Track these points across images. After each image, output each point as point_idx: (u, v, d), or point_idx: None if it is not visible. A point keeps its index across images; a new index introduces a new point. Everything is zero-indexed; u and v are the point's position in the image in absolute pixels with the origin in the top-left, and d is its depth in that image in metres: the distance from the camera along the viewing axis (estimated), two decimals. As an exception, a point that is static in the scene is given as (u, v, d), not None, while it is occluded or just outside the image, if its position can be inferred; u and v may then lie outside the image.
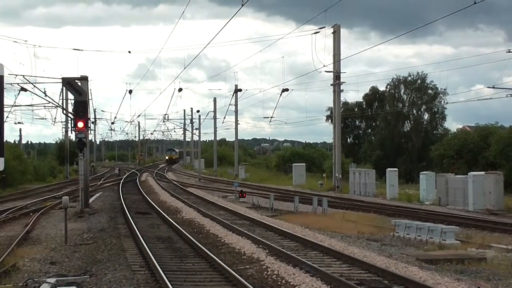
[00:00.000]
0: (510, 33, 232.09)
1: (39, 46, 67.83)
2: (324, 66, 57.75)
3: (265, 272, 17.33)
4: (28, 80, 51.25)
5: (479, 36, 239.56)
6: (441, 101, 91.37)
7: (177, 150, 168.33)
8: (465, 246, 24.18)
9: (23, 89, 53.65)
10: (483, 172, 45.23)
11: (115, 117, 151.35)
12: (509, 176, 46.77)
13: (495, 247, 23.86)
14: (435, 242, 24.63)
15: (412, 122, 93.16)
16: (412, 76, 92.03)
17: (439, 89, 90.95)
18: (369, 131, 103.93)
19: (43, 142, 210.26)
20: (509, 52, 38.66)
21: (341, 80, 59.11)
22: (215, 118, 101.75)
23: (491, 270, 19.32)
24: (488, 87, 59.73)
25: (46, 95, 52.35)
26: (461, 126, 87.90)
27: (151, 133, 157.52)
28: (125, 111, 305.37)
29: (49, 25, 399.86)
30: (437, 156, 72.53)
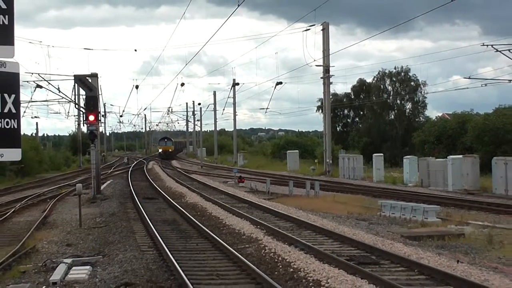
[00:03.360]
0: (484, 28, 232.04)
1: (52, 46, 67.70)
2: (314, 60, 57.92)
3: (263, 251, 17.37)
4: (43, 78, 51.39)
5: (456, 31, 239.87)
6: (422, 92, 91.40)
7: (173, 140, 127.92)
8: (445, 224, 24.27)
9: (38, 86, 53.79)
10: (460, 156, 45.27)
11: (123, 111, 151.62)
12: (484, 159, 46.76)
13: (472, 223, 23.94)
14: (418, 220, 24.71)
15: (396, 111, 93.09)
16: (396, 69, 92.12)
17: (420, 80, 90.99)
18: (357, 119, 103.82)
19: (57, 135, 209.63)
20: (483, 45, 38.60)
21: (330, 73, 59.08)
22: (215, 110, 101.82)
23: (469, 244, 19.41)
24: (465, 78, 60.11)
25: (59, 91, 52.48)
26: (440, 114, 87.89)
27: (157, 125, 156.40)
28: (132, 104, 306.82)
29: (60, 27, 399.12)
30: (419, 142, 72.50)
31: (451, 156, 44.82)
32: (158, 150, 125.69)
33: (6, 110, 5.17)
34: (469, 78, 46.16)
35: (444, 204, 30.87)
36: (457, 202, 32.34)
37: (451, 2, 28.69)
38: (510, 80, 47.11)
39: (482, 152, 54.68)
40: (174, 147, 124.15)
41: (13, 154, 5.27)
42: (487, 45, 38.52)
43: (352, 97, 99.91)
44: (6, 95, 5.17)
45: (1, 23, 5.15)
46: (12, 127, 5.22)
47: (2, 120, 5.14)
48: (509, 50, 38.09)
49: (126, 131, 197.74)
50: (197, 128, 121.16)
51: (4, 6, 5.14)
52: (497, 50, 38.11)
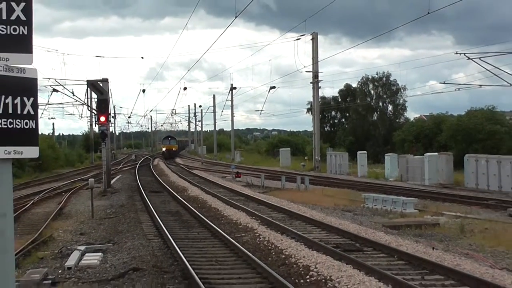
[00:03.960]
0: (457, 38, 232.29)
1: (67, 54, 67.63)
2: (304, 67, 58.05)
3: (258, 239, 17.40)
4: (59, 83, 51.24)
5: (432, 40, 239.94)
6: (402, 95, 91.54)
7: (177, 138, 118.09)
8: (422, 214, 24.31)
9: (55, 90, 53.72)
10: (436, 153, 45.40)
11: (131, 112, 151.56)
12: (458, 156, 46.88)
13: (447, 214, 23.99)
14: (397, 211, 24.77)
15: (378, 113, 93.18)
16: (378, 75, 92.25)
17: (400, 85, 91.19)
18: (343, 120, 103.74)
19: (72, 134, 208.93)
20: (457, 54, 38.63)
21: (319, 78, 59.04)
22: (214, 112, 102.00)
23: (443, 233, 19.48)
24: (440, 83, 60.09)
25: (74, 95, 52.42)
26: (418, 116, 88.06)
27: (161, 125, 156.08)
28: (139, 107, 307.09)
29: (75, 36, 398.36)
30: (399, 141, 72.58)
31: (428, 154, 44.94)
32: (161, 149, 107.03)
33: (25, 112, 5.24)
34: (444, 83, 46.36)
35: (421, 196, 30.92)
36: (433, 195, 32.40)
37: (428, 14, 28.73)
38: (480, 85, 47.19)
39: (455, 150, 54.86)
40: (178, 146, 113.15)
41: (31, 152, 5.33)
42: (460, 54, 38.57)
43: (339, 100, 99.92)
44: (25, 98, 5.25)
45: (21, 33, 5.22)
46: (30, 127, 5.30)
47: (22, 121, 5.21)
48: (479, 58, 38.15)
49: (133, 131, 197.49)
50: (198, 128, 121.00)
51: (23, 18, 5.22)
52: (469, 58, 38.16)
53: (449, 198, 31.12)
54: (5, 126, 5.05)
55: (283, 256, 14.65)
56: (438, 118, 70.87)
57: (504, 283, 11.50)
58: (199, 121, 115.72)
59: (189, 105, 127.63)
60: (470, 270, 12.71)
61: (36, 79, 5.31)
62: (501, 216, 24.43)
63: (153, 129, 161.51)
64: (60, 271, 13.85)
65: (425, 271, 13.04)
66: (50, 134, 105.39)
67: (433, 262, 13.46)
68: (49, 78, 50.68)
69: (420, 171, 43.48)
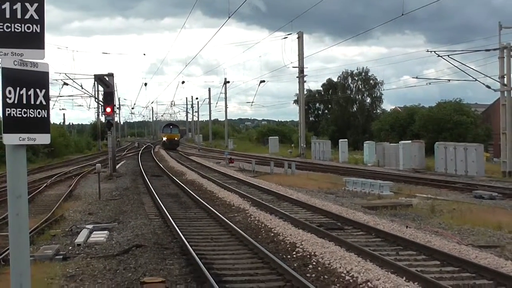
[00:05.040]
0: (429, 37, 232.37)
1: (76, 51, 67.47)
2: (291, 63, 58.15)
3: (249, 218, 17.41)
4: (69, 77, 51.07)
5: (405, 39, 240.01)
6: (379, 89, 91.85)
7: (179, 128, 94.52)
8: (397, 196, 24.40)
9: (65, 83, 53.59)
10: (410, 141, 45.53)
11: (134, 104, 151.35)
12: (429, 143, 47.09)
13: (419, 196, 24.09)
14: (375, 194, 24.82)
15: (358, 104, 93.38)
16: (358, 70, 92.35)
17: (377, 79, 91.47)
18: (326, 111, 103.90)
19: (81, 124, 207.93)
20: (428, 51, 38.70)
21: (304, 73, 58.97)
22: (209, 103, 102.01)
23: (416, 213, 19.55)
24: (413, 78, 60.44)
25: (82, 88, 52.56)
26: (393, 107, 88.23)
27: (162, 116, 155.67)
28: (141, 99, 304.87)
29: (83, 35, 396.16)
30: (376, 130, 72.78)
31: (402, 141, 45.08)
32: (162, 138, 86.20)
33: (38, 102, 5.25)
34: (417, 78, 46.49)
35: (396, 180, 31.01)
36: (407, 179, 32.50)
37: (402, 16, 28.72)
38: (449, 80, 47.53)
39: (427, 138, 55.09)
40: (180, 135, 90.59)
41: (43, 139, 5.34)
42: (430, 51, 38.63)
43: (322, 93, 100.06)
44: (38, 90, 5.25)
45: (34, 31, 5.23)
46: (42, 116, 5.31)
47: (35, 110, 5.22)
48: (448, 55, 38.19)
49: (136, 121, 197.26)
50: (195, 118, 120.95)
51: (36, 17, 5.23)
52: (438, 55, 38.23)
53: (421, 181, 31.23)
54: (20, 115, 5.05)
55: (272, 234, 14.66)
56: (411, 110, 71.10)
57: (469, 257, 11.57)
58: (195, 112, 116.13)
59: (186, 98, 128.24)
60: (439, 246, 12.77)
61: (47, 73, 5.30)
62: (467, 197, 24.54)
63: (154, 119, 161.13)
64: (70, 247, 13.82)
65: (400, 247, 13.09)
66: (61, 123, 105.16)
67: (407, 239, 13.52)
68: (60, 73, 50.74)
69: (395, 157, 43.61)
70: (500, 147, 39.65)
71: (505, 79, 37.77)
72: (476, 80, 38.75)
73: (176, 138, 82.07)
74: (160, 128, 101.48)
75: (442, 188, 28.40)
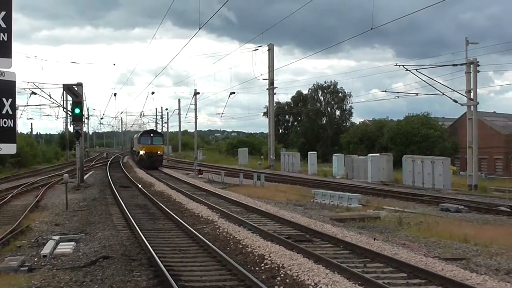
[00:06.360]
0: (397, 51, 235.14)
1: (45, 60, 66.75)
2: (261, 74, 58.29)
3: (218, 230, 17.34)
4: (37, 86, 50.67)
5: (374, 53, 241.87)
6: (348, 102, 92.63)
7: (163, 137, 74.54)
8: (365, 208, 24.54)
9: (33, 93, 53.08)
10: (378, 154, 45.96)
11: (103, 114, 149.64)
12: (397, 156, 47.57)
13: (387, 208, 24.27)
14: (343, 206, 24.93)
15: (327, 117, 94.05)
16: (327, 83, 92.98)
17: (346, 92, 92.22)
18: (296, 124, 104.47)
19: (49, 133, 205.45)
20: (396, 65, 39.14)
21: (274, 85, 59.18)
22: (179, 114, 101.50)
23: (384, 225, 19.69)
24: (381, 91, 60.97)
25: (50, 97, 51.92)
26: (362, 120, 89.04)
27: (131, 126, 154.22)
28: (111, 109, 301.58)
29: (51, 44, 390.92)
30: (345, 142, 73.35)
31: (371, 154, 45.48)
32: (137, 152, 61.12)
33: (4, 112, 5.16)
34: (385, 91, 46.94)
35: (365, 193, 31.23)
36: (375, 191, 32.75)
37: (371, 29, 29.02)
38: (417, 94, 47.90)
39: (395, 151, 55.70)
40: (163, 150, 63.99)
41: (9, 148, 5.25)
42: (399, 65, 39.07)
43: (292, 105, 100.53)
44: (4, 99, 5.18)
45: (1, 39, 5.14)
46: (9, 126, 5.22)
47: (1, 119, 5.13)
48: (416, 69, 38.69)
49: (105, 131, 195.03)
50: (165, 129, 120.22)
51: (3, 25, 5.14)
52: (407, 69, 38.71)
53: (389, 194, 31.49)
54: (-15, 125, 4.96)
55: (240, 246, 14.63)
56: (380, 123, 71.89)
57: (436, 270, 11.67)
58: (165, 122, 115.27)
59: (156, 108, 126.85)
60: (406, 258, 12.87)
61: (14, 82, 5.23)
62: (434, 210, 24.82)
63: (123, 129, 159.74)
64: (36, 258, 13.62)
65: (367, 259, 13.16)
66: (29, 133, 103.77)
67: (374, 251, 13.60)
68: (28, 82, 50.10)
69: (364, 170, 43.93)
70: (466, 160, 40.22)
71: (472, 93, 38.42)
72: (443, 94, 39.33)
73: (159, 152, 57.85)
74: (131, 139, 79.41)
75: (409, 200, 28.67)
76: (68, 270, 12.23)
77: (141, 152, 57.03)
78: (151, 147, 56.65)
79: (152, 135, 59.27)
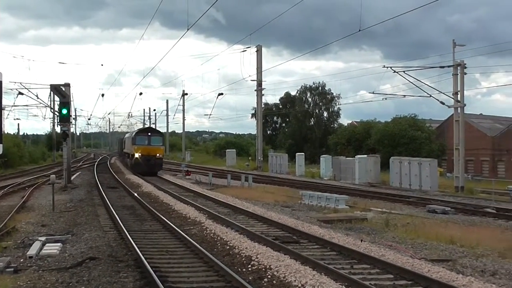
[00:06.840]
0: (385, 53, 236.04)
1: (32, 60, 66.47)
2: (249, 76, 58.53)
3: (205, 231, 17.33)
4: (24, 86, 50.34)
5: (362, 54, 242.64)
6: (336, 103, 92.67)
7: (163, 136, 58.55)
8: (352, 210, 24.61)
9: (20, 93, 52.76)
10: (365, 155, 46.07)
11: (91, 114, 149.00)
12: (384, 158, 47.72)
13: (374, 210, 24.34)
14: (331, 207, 24.98)
15: (315, 118, 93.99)
16: (315, 85, 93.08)
17: (334, 94, 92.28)
18: (284, 125, 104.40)
19: (36, 134, 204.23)
20: (384, 67, 39.27)
21: (263, 86, 59.29)
22: (167, 115, 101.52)
23: (371, 227, 19.74)
24: (369, 93, 60.84)
25: (38, 98, 51.53)
26: (350, 121, 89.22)
27: (119, 127, 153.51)
28: (98, 110, 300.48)
29: (39, 44, 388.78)
30: (333, 144, 73.41)
31: (358, 156, 45.59)
32: (130, 154, 51.35)
33: (-10, 113, 5.11)
34: (373, 93, 46.74)
35: (352, 194, 31.33)
36: (362, 193, 32.86)
37: (359, 31, 29.11)
38: (404, 96, 48.05)
39: (382, 152, 55.84)
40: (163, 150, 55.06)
41: (-4, 149, 5.21)
42: (387, 67, 39.17)
43: (280, 106, 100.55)
44: (-10, 100, 5.12)
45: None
46: (-5, 127, 5.17)
47: (-13, 120, 5.08)
48: (404, 71, 38.86)
49: (93, 132, 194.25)
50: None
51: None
52: (394, 71, 38.82)
53: (376, 195, 31.61)
54: (-29, 126, 4.93)
55: (228, 247, 14.63)
56: (367, 124, 72.02)
57: (422, 271, 11.74)
58: (153, 123, 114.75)
59: (144, 109, 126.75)
60: (393, 259, 12.94)
61: (1, 82, 5.20)
62: (421, 212, 24.95)
63: (111, 130, 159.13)
64: (22, 260, 13.55)
65: (354, 260, 13.21)
66: (16, 133, 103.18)
67: (361, 252, 13.65)
68: (15, 82, 49.79)
69: (351, 171, 44.06)
70: (453, 162, 40.44)
71: (459, 95, 38.65)
72: (430, 96, 39.52)
73: (158, 155, 48.56)
74: (122, 139, 70.48)
75: (396, 202, 28.79)
76: (54, 271, 12.18)
77: (136, 155, 47.90)
78: (149, 149, 47.69)
79: (150, 134, 49.67)
